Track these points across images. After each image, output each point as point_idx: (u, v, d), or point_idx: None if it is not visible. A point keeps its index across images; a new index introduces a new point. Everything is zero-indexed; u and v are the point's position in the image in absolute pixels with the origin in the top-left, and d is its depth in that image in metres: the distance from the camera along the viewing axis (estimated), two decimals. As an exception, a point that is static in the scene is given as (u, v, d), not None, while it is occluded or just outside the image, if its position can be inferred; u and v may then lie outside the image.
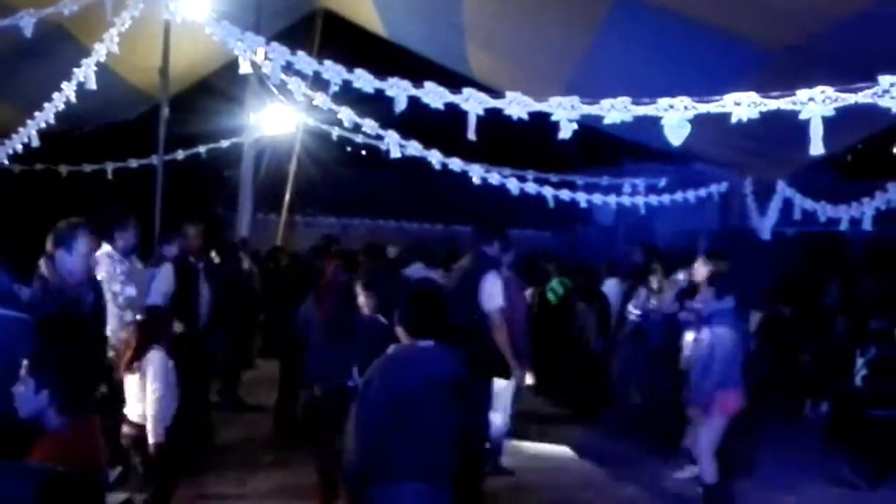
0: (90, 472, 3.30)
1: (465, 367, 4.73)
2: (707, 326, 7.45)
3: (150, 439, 5.89)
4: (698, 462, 7.51)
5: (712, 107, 4.65)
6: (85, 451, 3.59)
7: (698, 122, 4.82)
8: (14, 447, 3.53)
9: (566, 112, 5.10)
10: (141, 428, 5.97)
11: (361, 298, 6.93)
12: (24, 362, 3.62)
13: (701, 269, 7.79)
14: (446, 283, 7.78)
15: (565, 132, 5.14)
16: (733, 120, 4.64)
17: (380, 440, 4.41)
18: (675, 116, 4.72)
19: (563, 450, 9.76)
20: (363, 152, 19.76)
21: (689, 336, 8.10)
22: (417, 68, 8.16)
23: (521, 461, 9.01)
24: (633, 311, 9.96)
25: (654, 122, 4.94)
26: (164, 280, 7.89)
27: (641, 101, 4.94)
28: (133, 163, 13.47)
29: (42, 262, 5.53)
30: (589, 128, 6.12)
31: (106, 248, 7.17)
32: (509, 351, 7.39)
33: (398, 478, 4.46)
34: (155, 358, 6.11)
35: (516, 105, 5.32)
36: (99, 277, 6.88)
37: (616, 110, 4.97)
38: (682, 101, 4.75)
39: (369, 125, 8.55)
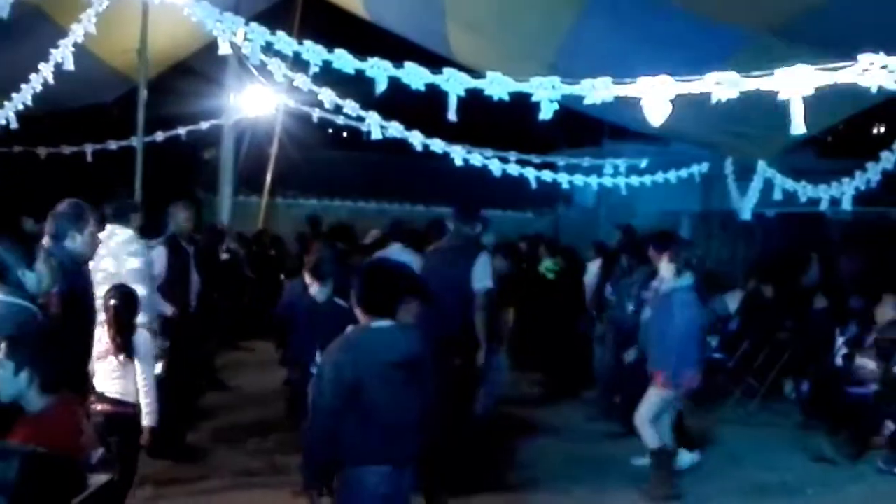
0: (71, 453, 3.28)
1: (425, 346, 4.65)
2: (664, 303, 7.52)
3: (145, 422, 5.95)
4: (639, 431, 7.60)
5: (693, 86, 4.64)
6: (66, 432, 3.56)
7: (680, 102, 4.80)
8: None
9: (547, 92, 5.07)
10: (118, 404, 5.98)
11: (314, 288, 6.90)
12: (2, 344, 3.59)
13: (655, 256, 7.88)
14: (427, 264, 7.80)
15: (546, 112, 5.12)
16: (713, 100, 4.63)
17: (337, 423, 4.35)
18: (656, 96, 4.71)
19: (546, 430, 9.79)
20: (344, 134, 19.74)
21: (647, 313, 8.19)
22: (398, 50, 8.12)
23: (503, 441, 9.02)
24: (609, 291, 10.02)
25: (635, 103, 4.93)
26: (157, 262, 7.85)
27: (622, 80, 4.93)
28: (112, 145, 13.39)
29: (47, 243, 5.46)
30: (570, 109, 6.12)
31: (124, 231, 7.04)
32: (484, 332, 7.41)
33: (361, 461, 4.42)
34: (143, 339, 6.13)
35: (497, 85, 5.30)
36: (136, 262, 6.86)
37: (597, 90, 4.96)
38: (662, 81, 4.73)
39: (350, 106, 8.52)
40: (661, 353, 7.45)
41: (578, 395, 11.12)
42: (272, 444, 8.54)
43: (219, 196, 17.02)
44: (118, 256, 6.90)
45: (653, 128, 4.98)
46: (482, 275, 7.43)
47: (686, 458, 8.31)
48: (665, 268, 7.56)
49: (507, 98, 5.34)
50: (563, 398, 11.14)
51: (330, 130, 20.16)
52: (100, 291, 6.22)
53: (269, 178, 17.32)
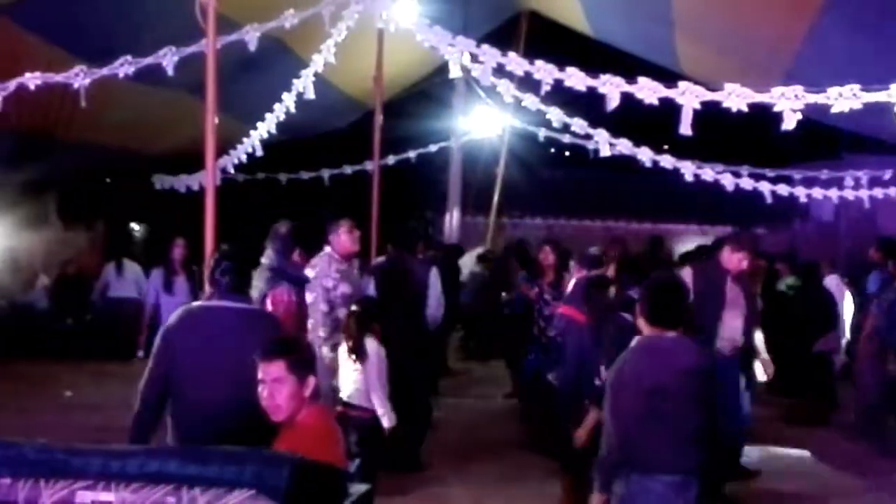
0: (333, 461, 3.41)
1: (710, 358, 4.71)
2: None
3: (385, 423, 6.23)
4: None
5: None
6: (327, 440, 3.70)
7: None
8: (256, 436, 3.70)
9: (790, 102, 4.90)
10: (353, 408, 6.35)
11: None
12: (280, 361, 3.79)
13: None
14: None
15: (789, 123, 4.96)
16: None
17: (632, 430, 4.45)
18: (912, 102, 4.45)
19: (801, 454, 9.27)
20: (566, 153, 19.72)
21: None
22: (620, 66, 8.05)
23: (760, 465, 8.60)
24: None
25: (884, 110, 4.69)
26: (436, 283, 8.21)
27: (872, 87, 4.70)
28: (347, 169, 13.89)
29: (268, 255, 5.92)
30: (807, 120, 5.88)
31: (326, 249, 7.41)
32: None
33: (649, 469, 4.47)
34: (371, 346, 6.39)
35: (735, 97, 5.16)
36: (312, 273, 7.18)
37: (844, 98, 4.74)
38: (918, 86, 4.48)
39: (578, 124, 8.48)
40: None
41: (827, 418, 10.51)
42: (504, 462, 8.59)
43: (447, 216, 17.38)
44: (350, 277, 7.25)
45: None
46: None
47: None
48: None
49: (745, 110, 5.20)
50: (812, 420, 10.53)
51: (552, 150, 20.19)
52: (339, 314, 6.86)
53: (496, 198, 17.47)
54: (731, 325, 7.48)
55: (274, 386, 3.72)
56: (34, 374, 12.08)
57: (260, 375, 3.78)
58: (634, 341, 4.72)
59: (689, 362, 4.56)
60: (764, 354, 7.67)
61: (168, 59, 6.79)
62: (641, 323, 4.70)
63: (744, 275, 7.67)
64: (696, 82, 5.64)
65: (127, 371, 12.11)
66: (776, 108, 4.96)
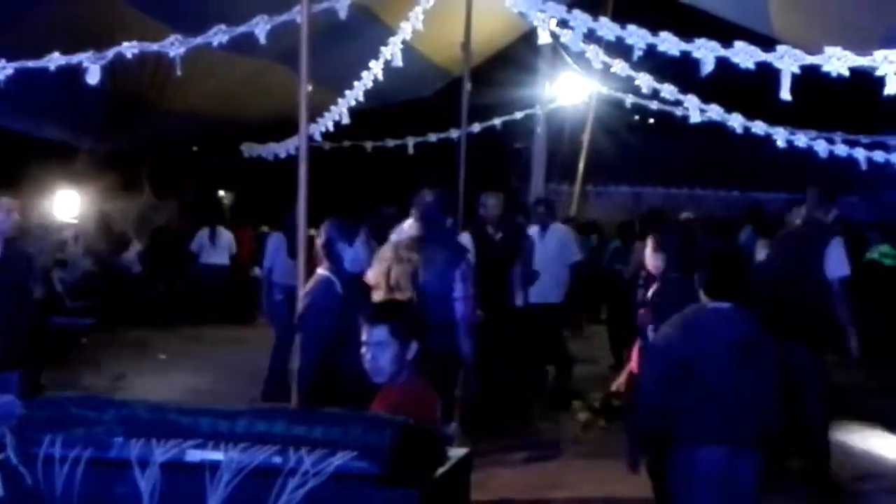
0: (432, 424, 3.49)
1: (763, 329, 4.61)
2: None
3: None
4: None
5: None
6: (426, 403, 3.78)
7: None
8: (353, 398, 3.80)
9: (893, 66, 4.76)
10: None
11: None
12: (381, 327, 3.84)
13: None
14: (774, 250, 7.58)
15: (892, 87, 4.82)
16: None
17: (663, 399, 4.45)
18: None
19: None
20: (650, 120, 19.45)
21: None
22: (708, 32, 7.90)
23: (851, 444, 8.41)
24: None
25: None
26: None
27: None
28: (432, 137, 13.86)
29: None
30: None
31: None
32: (850, 323, 7.00)
33: (697, 441, 4.44)
34: None
35: (836, 60, 5.03)
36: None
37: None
38: None
39: (668, 90, 8.36)
40: None
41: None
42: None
43: (531, 185, 17.27)
44: None
45: None
46: (837, 262, 6.99)
47: None
48: None
49: (846, 74, 5.06)
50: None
51: (636, 117, 19.93)
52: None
53: (581, 166, 17.30)
54: None
55: (377, 349, 3.82)
56: (129, 339, 12.44)
57: (364, 338, 3.88)
58: (684, 311, 4.71)
59: (734, 333, 4.50)
60: None
61: (260, 27, 6.86)
62: (701, 294, 4.70)
63: None
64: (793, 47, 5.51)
65: (216, 336, 12.44)
66: (878, 73, 4.82)
